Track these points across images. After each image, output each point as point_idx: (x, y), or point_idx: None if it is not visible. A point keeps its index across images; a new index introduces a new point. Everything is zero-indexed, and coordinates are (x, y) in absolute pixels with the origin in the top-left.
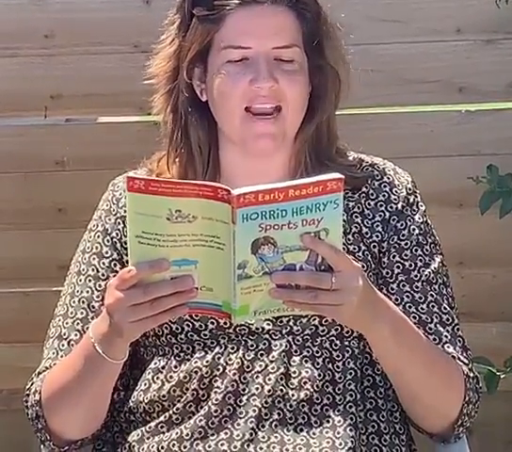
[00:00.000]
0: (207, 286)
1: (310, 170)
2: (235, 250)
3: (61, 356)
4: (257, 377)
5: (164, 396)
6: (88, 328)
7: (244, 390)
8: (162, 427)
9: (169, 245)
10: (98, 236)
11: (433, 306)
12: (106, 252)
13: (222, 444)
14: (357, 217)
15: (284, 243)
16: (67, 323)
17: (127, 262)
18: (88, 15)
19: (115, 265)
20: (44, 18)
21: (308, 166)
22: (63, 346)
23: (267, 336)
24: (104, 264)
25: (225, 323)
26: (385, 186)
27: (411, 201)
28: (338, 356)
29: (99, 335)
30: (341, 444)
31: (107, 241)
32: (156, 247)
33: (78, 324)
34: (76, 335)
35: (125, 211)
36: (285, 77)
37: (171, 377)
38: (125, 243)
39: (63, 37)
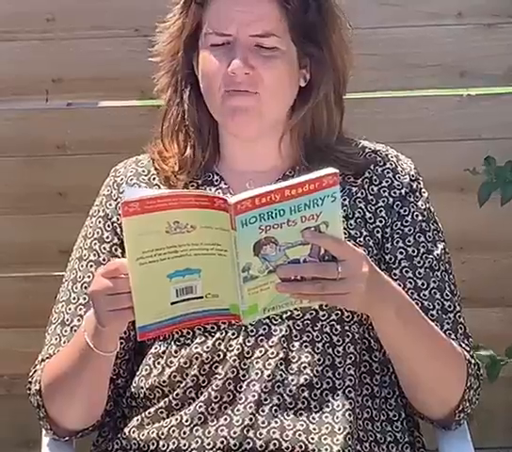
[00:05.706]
0: (212, 293)
1: (308, 158)
2: (238, 255)
3: (64, 342)
4: (257, 362)
5: (164, 382)
6: None
7: (244, 376)
8: (161, 412)
9: (171, 256)
10: (99, 222)
11: (435, 293)
12: (107, 237)
13: (222, 430)
14: (360, 202)
15: (285, 240)
16: (70, 309)
17: None
18: None
19: (116, 249)
20: (45, 1)
21: (305, 153)
22: (66, 331)
23: (267, 321)
24: (104, 249)
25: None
26: (388, 172)
27: (414, 187)
28: (338, 341)
29: (89, 326)
30: (340, 429)
31: (108, 226)
32: (157, 262)
33: (81, 309)
34: (79, 321)
35: None
36: (262, 63)
37: (171, 362)
38: None
39: (64, 20)
